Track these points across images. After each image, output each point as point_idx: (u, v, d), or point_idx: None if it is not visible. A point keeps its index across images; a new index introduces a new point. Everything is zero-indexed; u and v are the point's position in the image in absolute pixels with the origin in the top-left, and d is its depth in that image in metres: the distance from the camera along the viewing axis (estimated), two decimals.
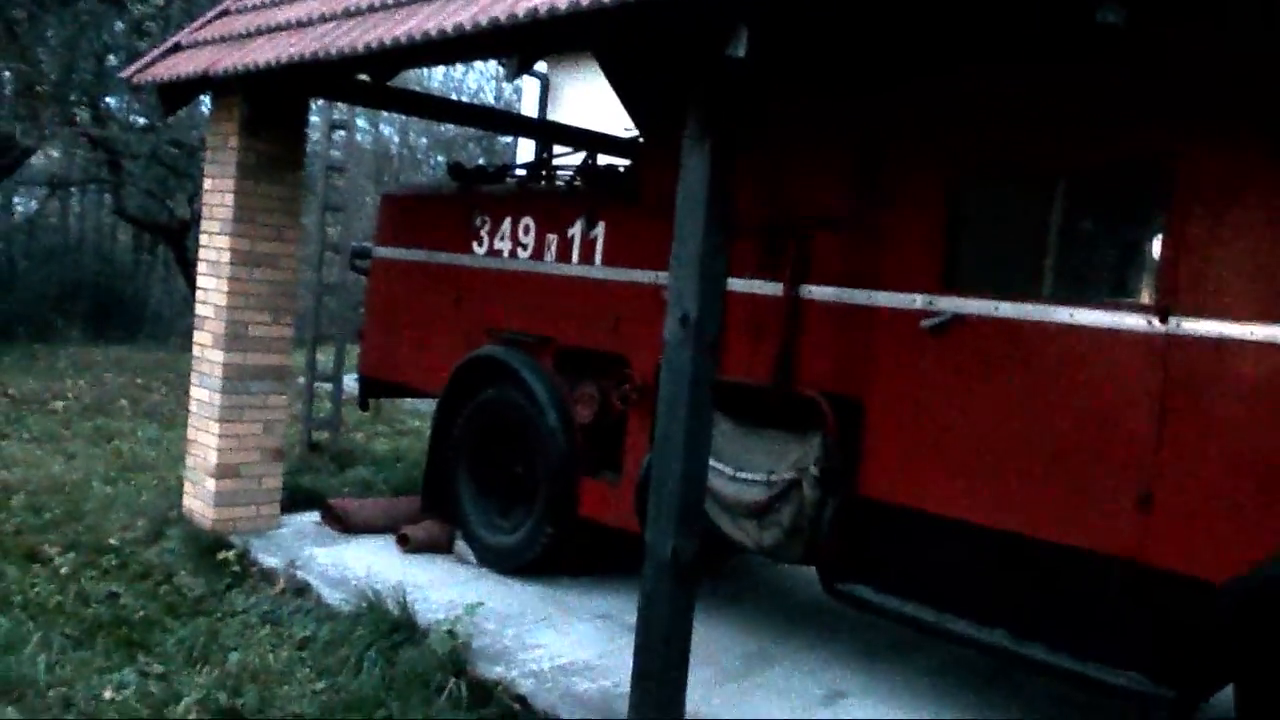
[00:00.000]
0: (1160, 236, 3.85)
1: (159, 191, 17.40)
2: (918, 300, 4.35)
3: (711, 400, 4.12)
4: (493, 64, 18.06)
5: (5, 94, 15.10)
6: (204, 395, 6.39)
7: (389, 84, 6.17)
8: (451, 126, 20.38)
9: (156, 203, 17.80)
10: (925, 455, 4.33)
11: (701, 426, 4.06)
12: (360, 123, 19.93)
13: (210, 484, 6.30)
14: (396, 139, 25.53)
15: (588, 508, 5.65)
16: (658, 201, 4.80)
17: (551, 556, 5.84)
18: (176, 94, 6.63)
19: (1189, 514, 3.66)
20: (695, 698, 4.26)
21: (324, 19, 5.40)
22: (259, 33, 5.85)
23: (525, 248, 6.08)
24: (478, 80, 25.58)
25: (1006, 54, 4.16)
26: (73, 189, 20.15)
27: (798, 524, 4.54)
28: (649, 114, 6.17)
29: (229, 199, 6.21)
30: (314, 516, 6.77)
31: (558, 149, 7.80)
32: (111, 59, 15.28)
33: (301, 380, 9.20)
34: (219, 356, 6.25)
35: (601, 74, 6.51)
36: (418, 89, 14.67)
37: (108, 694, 4.26)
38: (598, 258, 5.67)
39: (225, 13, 6.61)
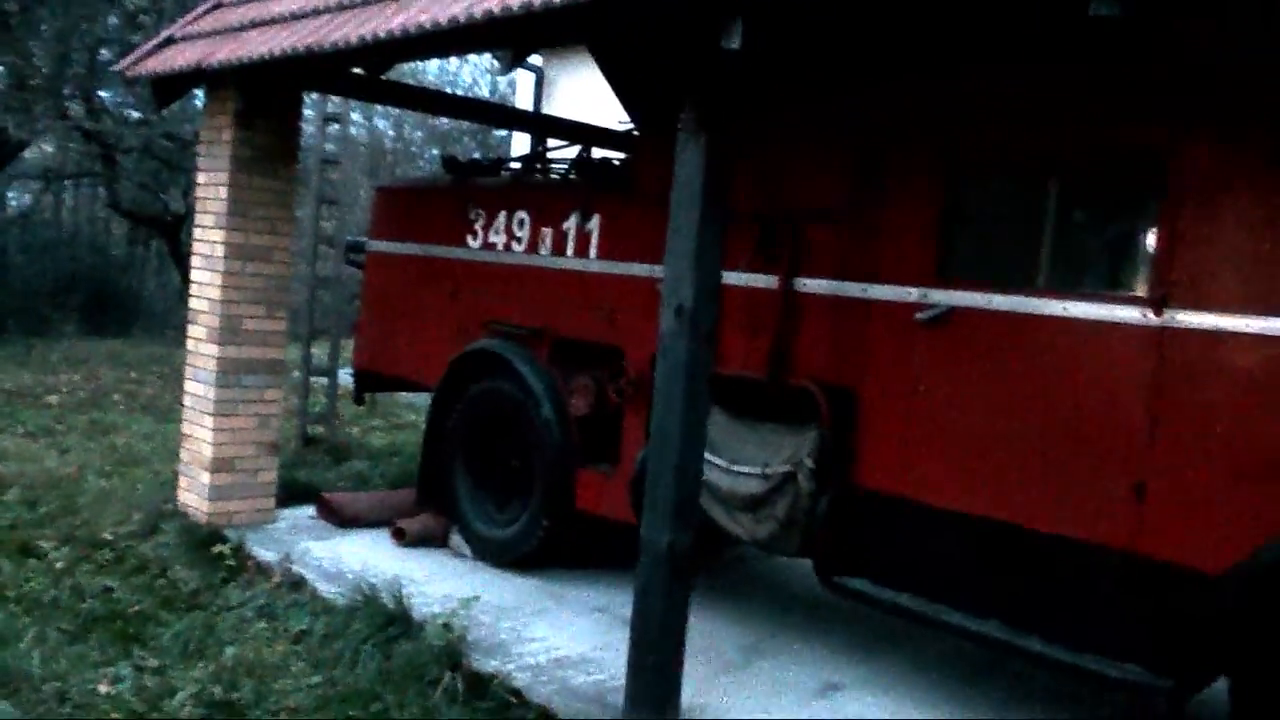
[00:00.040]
0: (1154, 229, 3.86)
1: (153, 185, 17.37)
2: (913, 293, 4.35)
3: (707, 392, 4.12)
4: (487, 57, 18.03)
5: None
6: (199, 389, 6.38)
7: (383, 77, 6.17)
8: (446, 120, 20.37)
9: (150, 196, 17.78)
10: (920, 447, 4.33)
11: (697, 418, 4.07)
12: (355, 116, 19.89)
13: (205, 478, 6.29)
14: (391, 132, 25.48)
15: (583, 500, 5.65)
16: (653, 194, 4.80)
17: (547, 549, 5.83)
18: (170, 87, 6.62)
19: (1183, 504, 3.67)
20: (691, 690, 4.27)
21: (318, 12, 5.38)
22: (253, 25, 5.84)
23: (520, 241, 6.07)
24: (472, 73, 25.54)
25: (1002, 47, 4.15)
26: (66, 182, 20.12)
27: (793, 516, 4.55)
28: (644, 107, 6.17)
29: (223, 192, 6.20)
30: (309, 510, 6.77)
31: (552, 142, 7.79)
32: (105, 52, 15.25)
33: (297, 374, 9.19)
34: (214, 350, 6.24)
35: (596, 67, 6.50)
36: (412, 82, 14.61)
37: (103, 688, 4.26)
38: (593, 251, 5.66)
39: (219, 5, 6.58)
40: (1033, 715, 4.52)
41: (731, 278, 4.73)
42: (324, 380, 9.05)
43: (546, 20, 4.08)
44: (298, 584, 5.47)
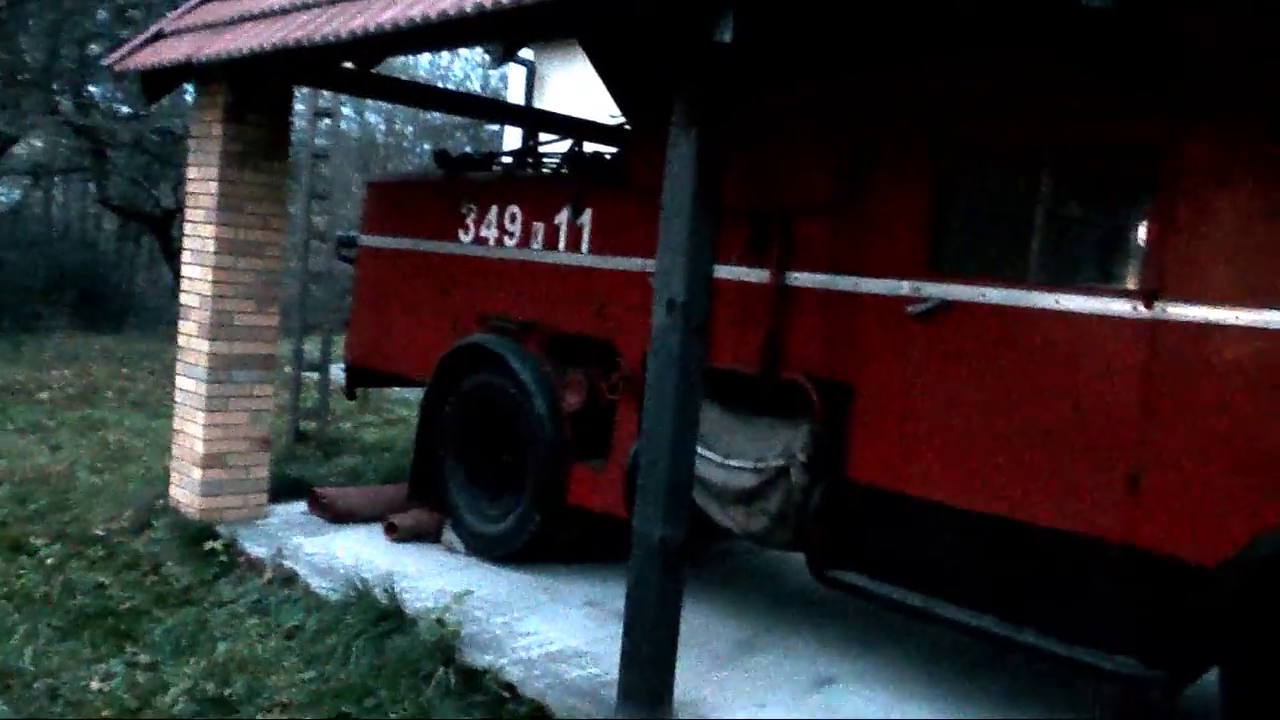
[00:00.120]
0: (1146, 222, 3.86)
1: (143, 180, 17.32)
2: (904, 286, 4.35)
3: (700, 386, 4.12)
4: (479, 51, 17.99)
5: None
6: (190, 385, 6.36)
7: (374, 71, 6.16)
8: (438, 114, 20.32)
9: (141, 191, 17.72)
10: (913, 440, 4.34)
11: (690, 412, 4.07)
12: (346, 110, 19.84)
13: (197, 474, 6.27)
14: (383, 127, 25.46)
15: (576, 495, 5.65)
16: (645, 188, 4.79)
17: (540, 544, 5.84)
18: (160, 81, 6.59)
19: (1176, 497, 3.68)
20: (684, 684, 4.27)
21: (308, 6, 5.36)
22: (243, 19, 5.81)
23: (512, 235, 6.06)
24: (464, 68, 25.51)
25: (994, 39, 4.15)
26: (56, 178, 20.05)
27: (786, 510, 4.55)
28: (635, 101, 6.16)
29: (213, 187, 6.17)
30: (301, 506, 6.76)
31: (544, 136, 7.77)
32: (94, 47, 15.19)
33: (288, 370, 9.17)
34: (205, 346, 6.22)
35: (588, 61, 6.49)
36: (404, 77, 14.60)
37: (95, 684, 4.25)
38: (585, 245, 5.65)
39: None
40: (1026, 707, 4.53)
41: (723, 271, 4.72)
42: (316, 375, 9.03)
43: (537, 14, 4.06)
44: (290, 579, 5.47)
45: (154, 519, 6.27)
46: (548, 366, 5.82)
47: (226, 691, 4.21)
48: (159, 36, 6.52)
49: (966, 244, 4.47)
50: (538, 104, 11.99)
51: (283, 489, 6.85)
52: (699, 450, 4.41)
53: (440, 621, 4.65)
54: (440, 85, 19.30)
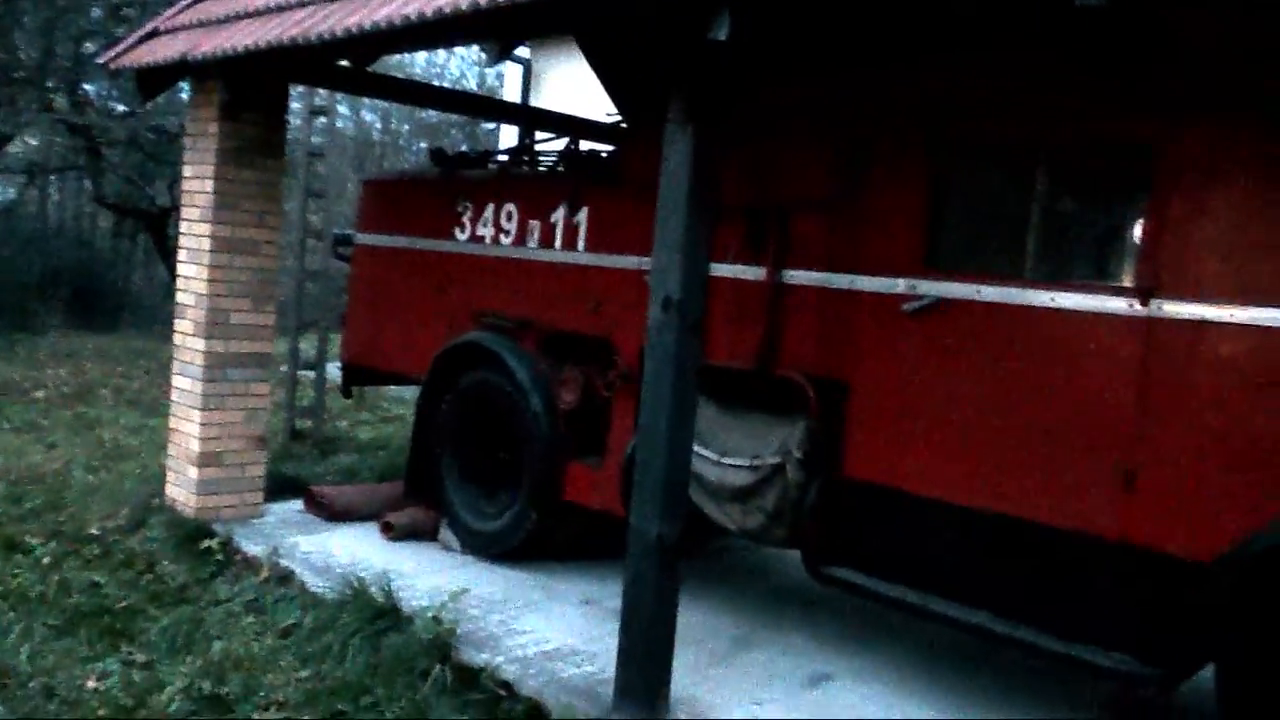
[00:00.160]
0: (1141, 219, 3.86)
1: (138, 178, 17.30)
2: (900, 284, 4.36)
3: (696, 383, 4.12)
4: (475, 50, 17.97)
5: None
6: (186, 383, 6.35)
7: (370, 69, 6.14)
8: (434, 112, 20.29)
9: (136, 189, 17.69)
10: (909, 438, 4.34)
11: (686, 409, 4.07)
12: (342, 109, 19.81)
13: (193, 472, 6.27)
14: (379, 125, 25.43)
15: (572, 492, 5.65)
16: (641, 186, 4.79)
17: (536, 542, 5.84)
18: (155, 79, 6.58)
19: (1171, 493, 3.68)
20: (681, 681, 4.28)
21: (304, 3, 5.36)
22: (238, 17, 5.80)
23: (508, 233, 6.06)
24: (460, 66, 25.49)
25: (990, 36, 4.16)
26: (51, 176, 20.01)
27: (782, 507, 4.56)
28: (632, 98, 6.15)
29: (209, 185, 6.17)
30: (297, 504, 6.75)
31: (540, 134, 7.77)
32: (89, 44, 15.16)
33: (284, 368, 9.16)
34: (200, 344, 6.21)
35: (584, 59, 6.49)
36: (399, 75, 14.57)
37: (90, 683, 4.25)
38: (581, 243, 5.65)
39: None
40: (1022, 704, 4.54)
41: (720, 269, 4.73)
42: (312, 374, 9.03)
43: (533, 12, 4.06)
44: (286, 578, 5.46)
45: (149, 517, 6.26)
46: (544, 364, 5.82)
47: (222, 690, 4.21)
48: (154, 34, 6.51)
49: (962, 242, 4.47)
50: (534, 102, 11.98)
51: (279, 487, 6.84)
52: (695, 448, 4.41)
53: (436, 619, 4.65)
54: (436, 83, 19.30)
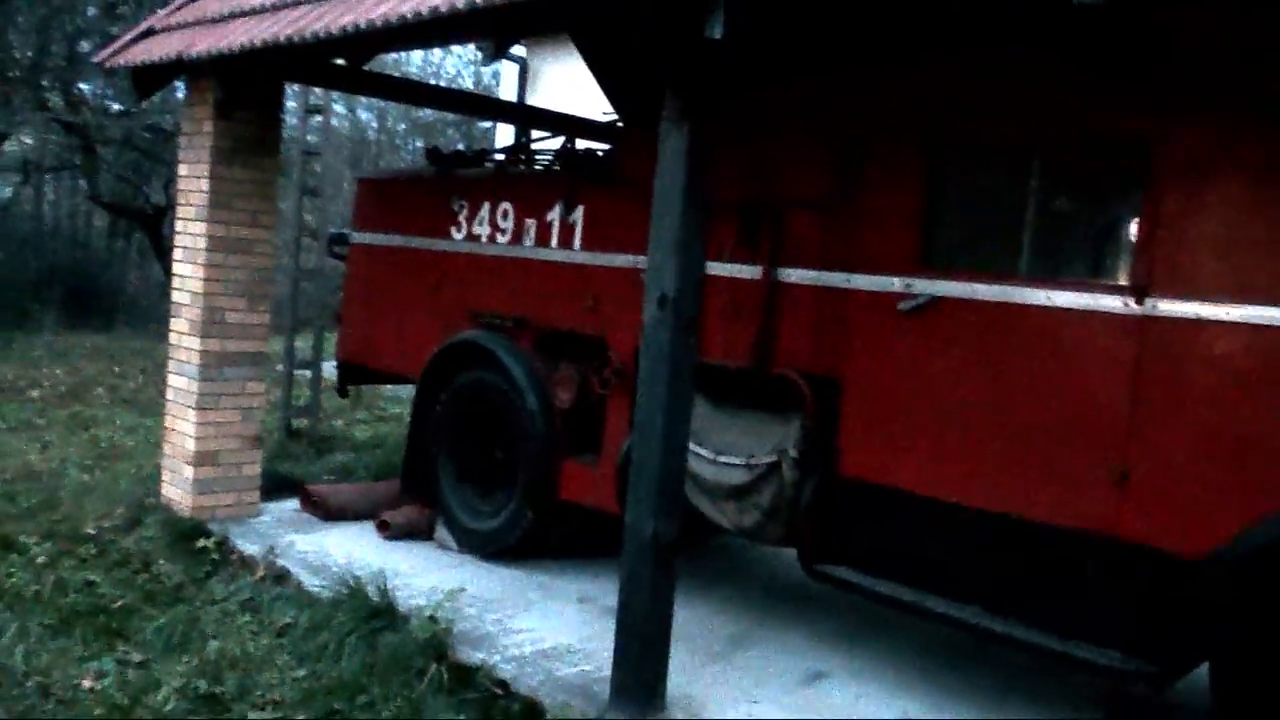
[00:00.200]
0: (1136, 218, 3.87)
1: (133, 177, 17.27)
2: (895, 282, 4.36)
3: (691, 382, 4.13)
4: (471, 48, 17.97)
5: None
6: (181, 382, 6.35)
7: (366, 68, 6.14)
8: (429, 111, 20.28)
9: (131, 188, 17.66)
10: (904, 436, 4.34)
11: (681, 408, 4.07)
12: (337, 107, 19.76)
13: (188, 471, 6.26)
14: (374, 124, 25.40)
15: (568, 491, 5.65)
16: (637, 184, 4.79)
17: (532, 540, 5.84)
18: (150, 78, 6.57)
19: (1165, 490, 3.69)
20: (676, 679, 4.28)
21: (299, 2, 5.35)
22: (233, 16, 5.80)
23: (504, 232, 6.06)
24: (456, 64, 25.47)
25: (985, 34, 4.16)
26: (47, 175, 19.96)
27: (777, 505, 4.56)
28: (627, 97, 6.16)
29: (204, 184, 6.16)
30: (293, 503, 6.75)
31: (536, 133, 7.76)
32: (84, 43, 15.13)
33: (280, 367, 9.15)
34: (196, 343, 6.21)
35: (580, 57, 6.49)
36: (395, 73, 14.57)
37: (86, 683, 4.24)
38: (577, 241, 5.65)
39: None
40: (1017, 701, 4.54)
41: (715, 267, 4.73)
42: (307, 373, 9.02)
43: (528, 10, 4.06)
44: (282, 577, 5.46)
45: (145, 517, 6.25)
46: (539, 363, 5.82)
47: (218, 689, 4.21)
48: (149, 33, 6.50)
49: (958, 240, 4.48)
50: (530, 100, 11.97)
51: (275, 486, 6.84)
52: (690, 446, 4.41)
53: (433, 618, 4.64)
54: (432, 82, 19.29)
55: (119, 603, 5.09)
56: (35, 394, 10.50)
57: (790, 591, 5.74)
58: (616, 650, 4.15)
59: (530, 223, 5.90)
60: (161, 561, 5.68)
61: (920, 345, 4.29)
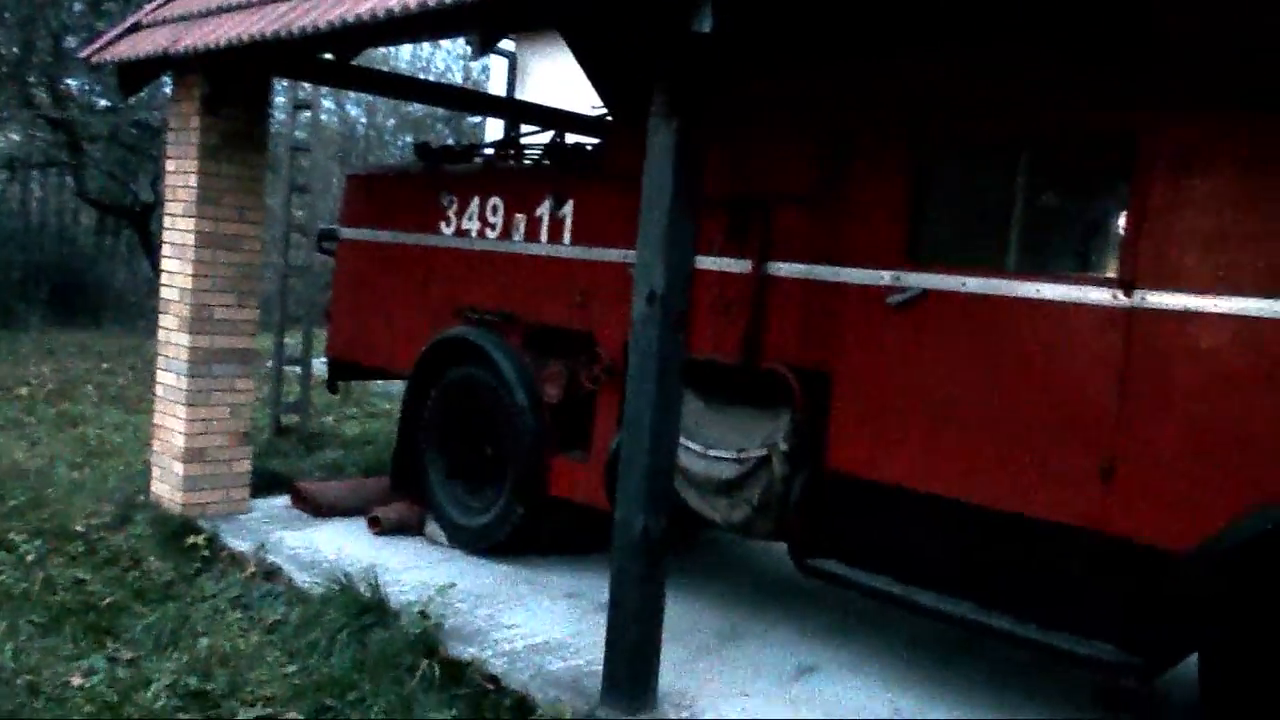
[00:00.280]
0: (1124, 211, 3.88)
1: (120, 174, 17.19)
2: (884, 276, 4.37)
3: (680, 377, 4.13)
4: (460, 43, 17.92)
5: None
6: (170, 379, 6.33)
7: (354, 63, 6.12)
8: (419, 106, 20.24)
9: (119, 185, 17.58)
10: (893, 430, 4.35)
11: (670, 403, 4.07)
12: (326, 103, 19.72)
13: (178, 468, 6.25)
14: (364, 119, 25.31)
15: (558, 487, 5.65)
16: (626, 179, 4.78)
17: (522, 536, 5.84)
18: (137, 74, 6.54)
19: (1152, 484, 3.70)
20: (668, 674, 4.29)
21: None
22: (220, 11, 5.77)
23: (493, 227, 6.05)
24: (445, 59, 25.40)
25: (972, 28, 4.17)
26: (33, 171, 19.85)
27: (767, 500, 4.57)
28: (617, 91, 6.15)
29: (192, 180, 6.14)
30: (283, 500, 6.74)
31: (526, 128, 7.75)
32: (70, 39, 15.06)
33: (270, 363, 9.13)
34: (185, 340, 6.19)
35: (570, 52, 6.48)
36: (384, 68, 14.51)
37: (76, 680, 4.23)
38: (566, 236, 5.65)
39: None
40: (1005, 693, 4.56)
41: (704, 262, 4.73)
42: (297, 369, 9.00)
43: (517, 3, 4.06)
44: (272, 573, 5.45)
45: (134, 514, 6.24)
46: (528, 358, 5.82)
47: (208, 686, 4.20)
48: (135, 28, 6.47)
49: (946, 233, 4.48)
50: (519, 95, 11.95)
51: (264, 483, 6.83)
52: (680, 441, 4.42)
53: (423, 614, 4.65)
54: (421, 77, 19.25)
55: (108, 600, 5.07)
56: (23, 391, 10.45)
57: (780, 586, 5.76)
58: (607, 645, 4.15)
59: (519, 218, 5.89)
60: (151, 559, 5.66)
61: (909, 339, 4.30)
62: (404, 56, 23.75)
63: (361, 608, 4.78)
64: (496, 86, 13.01)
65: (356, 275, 7.01)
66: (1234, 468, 3.53)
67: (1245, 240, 3.53)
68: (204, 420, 6.27)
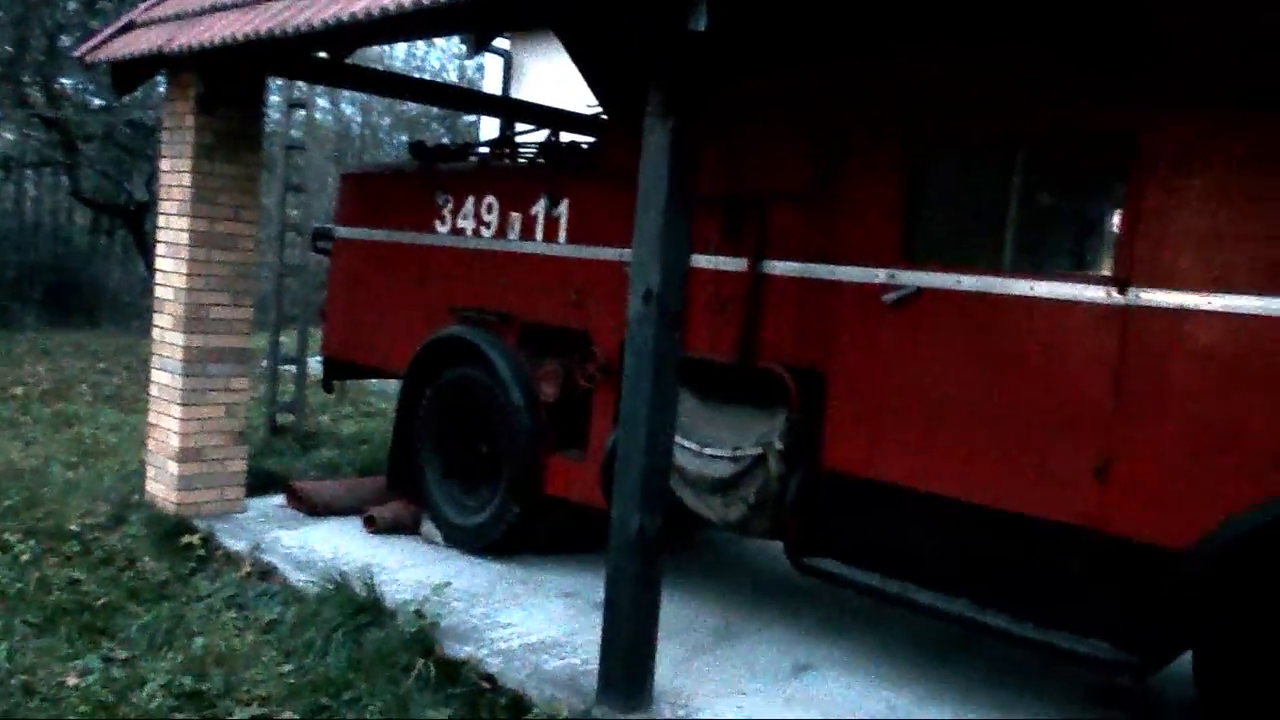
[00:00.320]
0: (1119, 209, 3.88)
1: (115, 173, 17.16)
2: (880, 274, 4.37)
3: (676, 375, 4.13)
4: (455, 42, 17.91)
5: None
6: (165, 379, 6.32)
7: (349, 62, 6.11)
8: (414, 105, 20.22)
9: (113, 184, 17.55)
10: (888, 428, 4.36)
11: (666, 402, 4.07)
12: (321, 102, 19.70)
13: (173, 468, 6.24)
14: (359, 118, 25.29)
15: (554, 486, 5.64)
16: (621, 178, 4.78)
17: (519, 535, 5.83)
18: (131, 73, 6.53)
19: (1147, 481, 3.71)
20: (663, 672, 4.29)
21: None
22: (214, 9, 5.76)
23: (488, 226, 6.05)
24: (440, 58, 25.39)
25: (968, 27, 4.17)
26: (27, 171, 19.82)
27: (763, 498, 4.57)
28: (612, 90, 6.14)
29: (186, 179, 6.13)
30: (279, 499, 6.73)
31: (521, 126, 7.74)
32: (64, 38, 15.03)
33: (265, 363, 9.12)
34: (179, 339, 6.18)
35: (565, 51, 6.47)
36: (379, 67, 14.49)
37: (71, 680, 4.22)
38: (561, 235, 5.64)
39: None
40: (1001, 691, 4.57)
41: (699, 261, 4.73)
42: (292, 368, 8.99)
43: (512, 2, 4.05)
44: (267, 573, 5.44)
45: (129, 514, 6.22)
46: (524, 357, 5.81)
47: (204, 686, 4.19)
48: (130, 27, 6.46)
49: (942, 232, 4.49)
50: (515, 94, 11.94)
51: (260, 482, 6.81)
52: (676, 439, 4.41)
53: (419, 613, 4.64)
54: (416, 76, 19.21)
55: (103, 600, 5.06)
56: (18, 391, 10.43)
57: (776, 585, 5.76)
58: (603, 644, 4.15)
59: (515, 217, 5.89)
60: (146, 558, 5.65)
61: (905, 337, 4.30)
62: (399, 55, 23.74)
63: (357, 607, 4.78)
64: (491, 85, 12.99)
65: (352, 274, 7.00)
66: (1228, 465, 3.54)
67: (1240, 239, 3.53)
68: (199, 420, 6.26)
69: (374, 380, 9.06)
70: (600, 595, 4.21)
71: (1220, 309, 3.55)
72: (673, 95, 3.89)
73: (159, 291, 6.37)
